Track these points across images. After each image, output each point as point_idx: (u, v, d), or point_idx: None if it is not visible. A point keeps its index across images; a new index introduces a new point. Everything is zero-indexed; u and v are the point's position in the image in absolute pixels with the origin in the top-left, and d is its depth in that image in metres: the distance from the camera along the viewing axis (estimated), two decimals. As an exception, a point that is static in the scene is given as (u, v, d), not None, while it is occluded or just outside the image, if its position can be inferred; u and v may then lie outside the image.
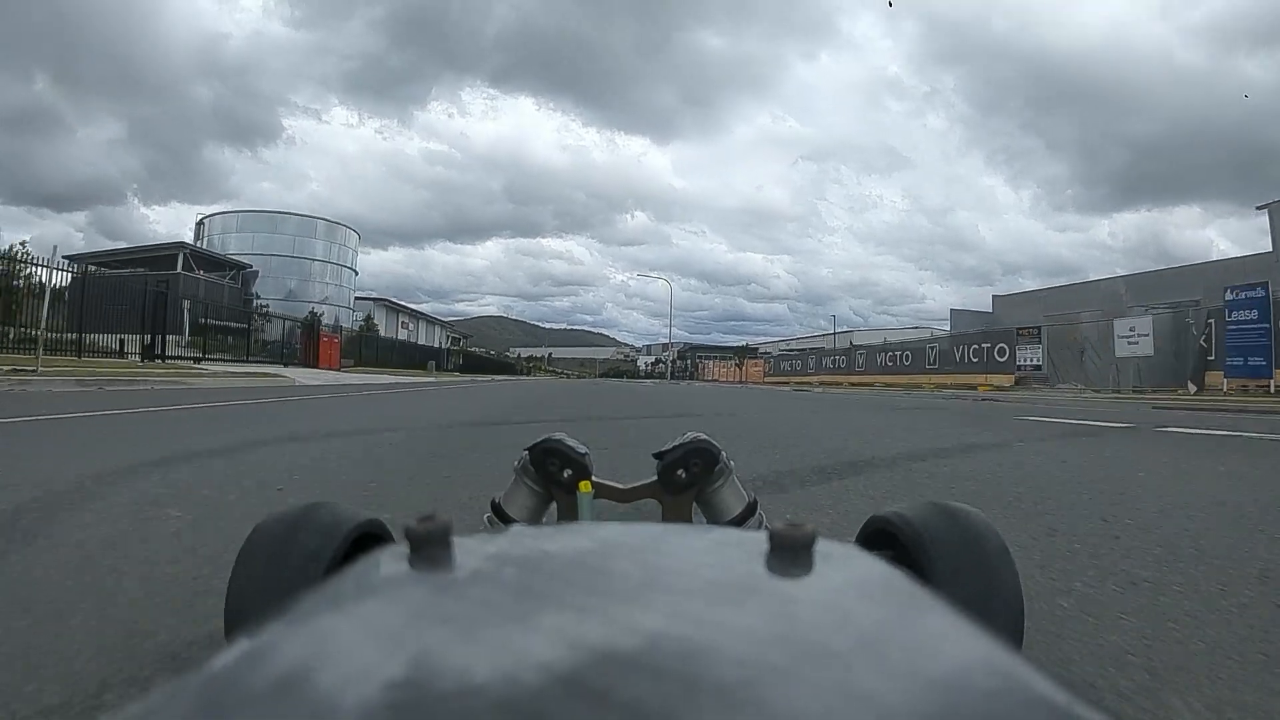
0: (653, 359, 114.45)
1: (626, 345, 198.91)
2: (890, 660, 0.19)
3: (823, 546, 0.26)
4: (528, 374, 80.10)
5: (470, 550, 0.26)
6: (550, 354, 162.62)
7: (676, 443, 0.68)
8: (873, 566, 0.27)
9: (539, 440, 0.68)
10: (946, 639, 0.21)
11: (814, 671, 0.17)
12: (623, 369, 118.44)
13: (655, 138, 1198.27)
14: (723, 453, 0.68)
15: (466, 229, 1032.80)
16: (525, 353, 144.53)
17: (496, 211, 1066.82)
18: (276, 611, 0.22)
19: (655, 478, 0.68)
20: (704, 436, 0.68)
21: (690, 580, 0.24)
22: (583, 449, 0.68)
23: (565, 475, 0.67)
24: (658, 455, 0.69)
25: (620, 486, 0.68)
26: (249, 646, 0.19)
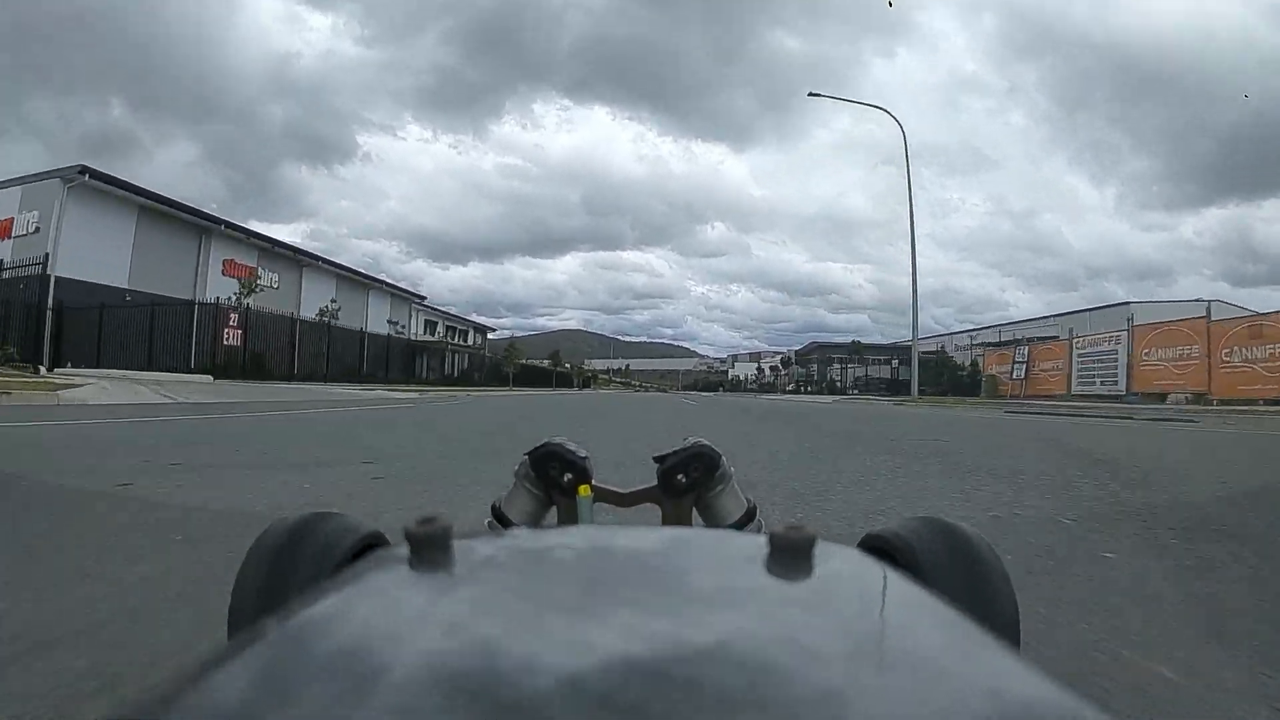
0: (757, 366, 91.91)
1: (709, 358, 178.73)
2: (892, 661, 0.18)
3: (822, 549, 0.26)
4: (583, 386, 61.87)
5: (470, 552, 0.26)
6: (628, 365, 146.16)
7: (677, 447, 0.69)
8: (872, 569, 0.27)
9: (539, 444, 0.70)
10: (948, 639, 0.21)
11: (816, 672, 0.17)
12: (713, 381, 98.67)
13: (733, 145, 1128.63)
14: (723, 457, 0.70)
15: (545, 242, 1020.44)
16: (601, 365, 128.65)
17: (574, 224, 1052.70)
18: (276, 613, 0.22)
19: (655, 482, 0.69)
20: (704, 441, 0.70)
21: (690, 582, 0.24)
22: (583, 453, 0.69)
23: (565, 479, 0.68)
24: (658, 459, 0.70)
25: (620, 491, 0.70)
26: (246, 645, 0.19)
